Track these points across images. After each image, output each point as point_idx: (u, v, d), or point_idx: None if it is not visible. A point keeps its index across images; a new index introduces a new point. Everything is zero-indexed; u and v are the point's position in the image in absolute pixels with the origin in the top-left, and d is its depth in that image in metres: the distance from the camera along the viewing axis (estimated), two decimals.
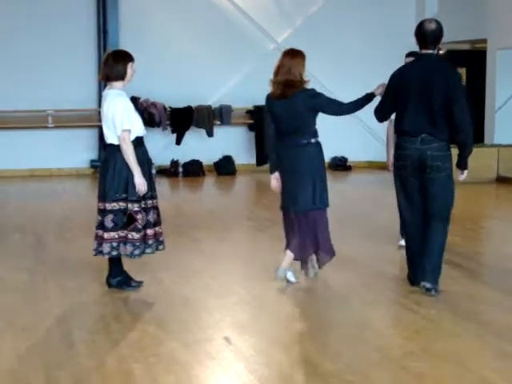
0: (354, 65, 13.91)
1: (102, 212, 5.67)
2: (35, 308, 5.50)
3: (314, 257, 6.14)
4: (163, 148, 13.33)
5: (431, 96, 5.52)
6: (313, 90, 6.01)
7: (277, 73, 5.91)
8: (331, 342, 4.77)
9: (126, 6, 13.06)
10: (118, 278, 5.87)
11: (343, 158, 14.22)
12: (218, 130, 13.46)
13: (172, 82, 12.90)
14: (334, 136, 14.16)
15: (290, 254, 6.04)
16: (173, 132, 13.28)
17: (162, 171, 13.19)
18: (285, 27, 14.02)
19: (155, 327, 5.05)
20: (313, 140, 5.95)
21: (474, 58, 14.24)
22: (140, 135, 5.71)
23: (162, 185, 12.50)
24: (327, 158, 13.99)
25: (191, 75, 12.91)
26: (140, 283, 5.95)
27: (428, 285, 5.64)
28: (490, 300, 5.80)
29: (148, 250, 5.78)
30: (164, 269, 6.56)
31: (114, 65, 5.65)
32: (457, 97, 5.49)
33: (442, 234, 5.76)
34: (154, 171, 12.87)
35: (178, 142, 13.30)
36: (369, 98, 5.98)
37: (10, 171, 12.70)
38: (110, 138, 5.66)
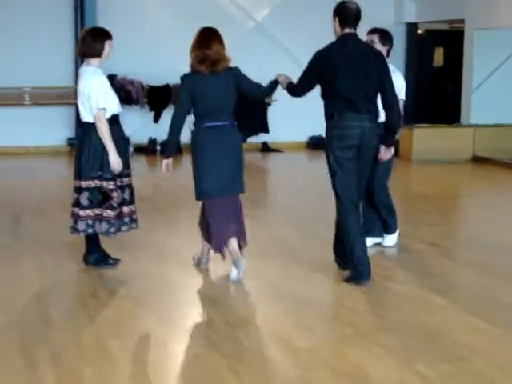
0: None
1: (78, 190, 5.69)
2: (12, 285, 5.51)
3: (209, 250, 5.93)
4: (141, 126, 13.29)
5: (365, 75, 5.53)
6: (237, 67, 5.78)
7: (201, 47, 5.56)
8: (305, 318, 4.82)
9: None
10: (96, 255, 5.89)
11: (321, 136, 14.26)
12: None
13: (150, 60, 12.85)
14: (312, 115, 14.20)
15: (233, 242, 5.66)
16: (150, 110, 13.25)
17: (140, 149, 13.17)
18: (264, 5, 13.98)
19: (131, 304, 5.10)
20: (234, 122, 5.73)
21: (452, 38, 14.32)
22: (116, 113, 5.72)
23: (140, 163, 12.49)
24: (305, 137, 14.34)
25: (169, 53, 12.83)
26: (117, 261, 5.98)
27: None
28: (462, 277, 5.94)
29: (123, 228, 5.81)
30: (140, 247, 6.60)
31: (91, 41, 5.64)
32: (388, 76, 5.57)
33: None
34: (131, 149, 12.96)
35: (156, 120, 13.27)
36: (275, 84, 5.93)
37: None
38: (86, 116, 5.66)
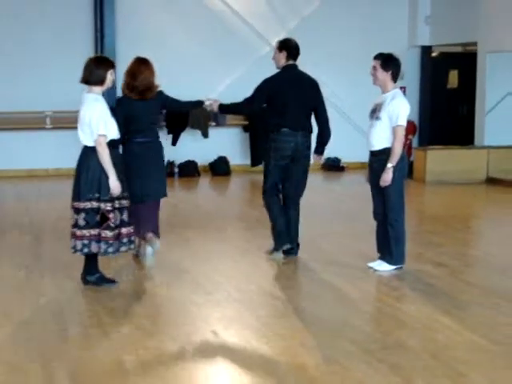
0: (347, 66, 14.14)
1: (76, 211, 5.91)
2: (32, 303, 5.73)
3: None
4: None
5: (305, 99, 6.95)
6: (162, 91, 7.05)
7: (131, 78, 6.79)
8: (311, 336, 5.00)
9: (123, 10, 13.29)
10: (96, 274, 6.11)
11: (336, 158, 14.46)
12: (213, 131, 13.69)
13: (168, 83, 12.95)
14: None
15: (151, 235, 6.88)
16: (168, 133, 13.51)
17: None
18: (279, 30, 14.19)
19: (145, 321, 5.29)
20: (159, 138, 7.01)
21: (467, 61, 14.48)
22: (115, 138, 5.94)
23: None
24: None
25: (187, 77, 13.13)
26: (114, 280, 6.17)
27: (289, 245, 7.05)
28: (470, 298, 6.01)
29: (122, 248, 6.03)
30: (156, 266, 6.81)
31: (95, 69, 5.86)
32: (322, 100, 7.09)
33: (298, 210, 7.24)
34: None
35: (174, 142, 13.53)
36: (198, 103, 7.30)
37: (8, 171, 12.93)
38: (85, 141, 5.88)
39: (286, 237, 7.06)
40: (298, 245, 7.23)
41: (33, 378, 4.28)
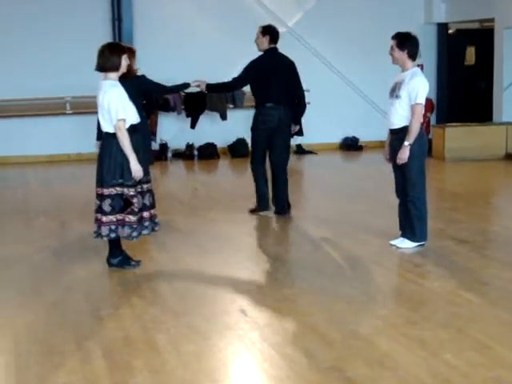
0: (364, 45, 14.14)
1: (101, 197, 6.01)
2: (62, 286, 5.88)
3: None
4: (178, 132, 13.70)
5: (286, 77, 7.98)
6: (144, 76, 7.52)
7: None
8: (336, 312, 5.11)
9: None
10: (119, 257, 6.25)
11: (354, 138, 14.52)
12: (232, 114, 13.77)
13: (186, 67, 13.17)
14: (345, 116, 14.51)
15: None
16: (187, 116, 13.61)
17: (178, 154, 13.56)
18: (295, 11, 14.25)
19: (175, 301, 5.43)
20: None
21: (484, 37, 14.43)
22: (134, 123, 6.03)
23: (178, 168, 12.88)
24: (339, 138, 14.59)
25: (204, 60, 13.19)
26: (139, 262, 6.33)
27: (268, 212, 8.28)
28: (492, 272, 6.10)
29: (145, 232, 6.13)
30: (181, 248, 6.95)
31: (109, 56, 5.93)
32: (299, 78, 8.07)
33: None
34: (169, 154, 13.37)
35: (193, 125, 13.63)
36: (185, 86, 7.83)
37: (30, 157, 13.10)
38: (106, 127, 5.97)
39: (266, 204, 8.32)
40: (289, 205, 8.27)
41: (69, 358, 4.41)
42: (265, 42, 8.03)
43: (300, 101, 8.19)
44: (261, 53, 8.11)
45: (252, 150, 8.34)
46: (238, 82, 8.18)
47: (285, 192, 8.22)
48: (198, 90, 8.30)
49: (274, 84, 7.91)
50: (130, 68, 6.58)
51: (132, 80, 6.97)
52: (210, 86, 8.02)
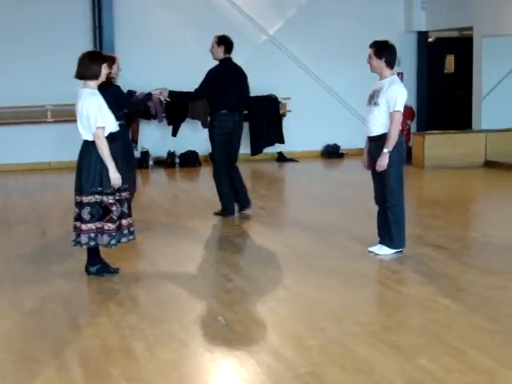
0: (344, 52, 14.19)
1: (80, 205, 6.01)
2: (40, 294, 5.85)
3: None
4: (160, 140, 13.68)
5: (239, 85, 8.49)
6: (118, 87, 7.73)
7: None
8: (315, 318, 5.13)
9: (120, 2, 13.36)
10: (98, 265, 6.24)
11: (336, 145, 14.57)
12: None
13: (166, 74, 13.14)
14: (327, 124, 14.55)
15: None
16: (169, 124, 13.60)
17: (159, 162, 13.54)
18: (276, 19, 14.30)
19: (153, 309, 5.43)
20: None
21: (463, 46, 14.54)
22: (113, 131, 6.04)
23: (160, 176, 12.87)
24: (320, 146, 14.66)
25: (185, 68, 13.18)
26: (117, 270, 6.32)
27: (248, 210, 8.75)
28: (470, 279, 6.15)
29: (123, 239, 6.13)
30: (160, 255, 6.95)
31: (90, 64, 5.96)
32: (246, 86, 8.62)
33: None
34: (150, 162, 13.34)
35: (174, 133, 13.62)
36: (148, 97, 8.25)
37: (11, 165, 13.01)
38: (85, 135, 5.98)
39: (232, 209, 8.65)
40: (249, 200, 8.75)
41: (45, 366, 4.40)
42: (220, 52, 8.41)
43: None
44: (215, 61, 8.48)
45: (212, 152, 8.79)
46: (200, 92, 8.49)
47: (244, 186, 8.79)
48: (163, 98, 8.57)
49: (230, 92, 8.35)
50: (108, 76, 6.61)
51: (109, 88, 7.06)
52: (172, 94, 8.32)
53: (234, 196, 8.71)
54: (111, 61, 7.57)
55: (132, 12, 13.43)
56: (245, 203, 8.72)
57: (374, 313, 5.35)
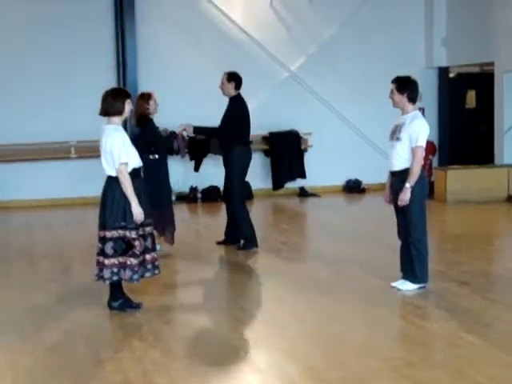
0: (366, 88, 14.27)
1: (103, 240, 6.06)
2: (63, 328, 5.89)
3: None
4: (182, 175, 13.76)
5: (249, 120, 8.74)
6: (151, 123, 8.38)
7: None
8: (337, 353, 5.11)
9: (144, 42, 13.52)
10: (120, 300, 6.26)
11: (357, 180, 14.57)
12: None
13: (189, 111, 13.32)
14: (348, 159, 14.58)
15: None
16: (191, 159, 13.70)
17: (182, 197, 13.61)
18: (298, 55, 14.41)
19: (175, 344, 5.43)
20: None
21: (484, 81, 14.56)
22: (137, 167, 6.11)
23: (182, 211, 12.90)
24: (342, 180, 14.66)
25: (208, 104, 13.26)
26: (140, 304, 6.33)
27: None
28: (493, 314, 6.09)
29: (147, 274, 6.17)
30: (182, 290, 6.97)
31: (113, 101, 6.06)
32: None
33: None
34: (173, 197, 13.46)
35: (197, 169, 13.71)
36: (172, 136, 8.64)
37: (35, 201, 13.15)
38: (109, 170, 6.06)
39: (257, 240, 8.77)
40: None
41: None
42: (231, 88, 8.58)
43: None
44: (225, 97, 8.71)
45: (232, 189, 8.66)
46: (225, 129, 8.59)
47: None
48: (186, 134, 8.74)
49: (248, 127, 8.66)
50: (145, 112, 7.99)
51: (147, 124, 8.22)
52: (197, 129, 8.56)
53: (231, 229, 8.87)
54: (147, 97, 8.29)
55: (155, 51, 13.60)
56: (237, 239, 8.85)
57: (397, 348, 5.31)
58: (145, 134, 8.28)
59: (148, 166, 7.46)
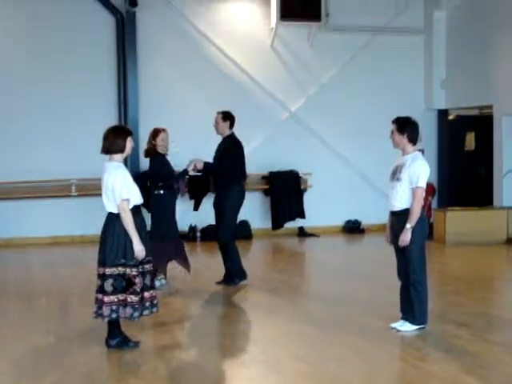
0: (366, 129, 14.38)
1: (102, 276, 6.05)
2: (61, 367, 5.84)
3: None
4: (181, 214, 13.73)
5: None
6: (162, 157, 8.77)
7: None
8: None
9: (145, 80, 13.63)
10: (118, 338, 6.23)
11: (356, 221, 14.59)
12: None
13: (189, 150, 13.37)
14: (348, 199, 14.62)
15: None
16: (191, 198, 13.71)
17: (181, 236, 13.57)
18: (298, 96, 14.53)
19: (173, 383, 5.38)
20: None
21: (482, 123, 14.68)
22: (138, 204, 6.13)
23: None
24: (341, 221, 14.65)
25: (208, 144, 13.32)
26: (137, 343, 6.29)
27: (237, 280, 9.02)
28: (493, 356, 6.07)
29: (146, 312, 6.14)
30: (180, 328, 6.93)
31: (114, 139, 6.10)
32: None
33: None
34: None
35: (196, 208, 13.67)
36: (185, 173, 8.80)
37: (34, 238, 13.15)
38: (109, 207, 6.07)
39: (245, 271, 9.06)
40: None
41: None
42: (225, 127, 8.86)
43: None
44: (219, 136, 8.94)
45: (225, 228, 8.86)
46: (226, 168, 8.76)
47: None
48: (197, 169, 8.76)
49: (243, 165, 8.92)
50: (150, 146, 8.48)
51: (154, 157, 8.69)
52: (208, 165, 8.70)
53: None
54: (155, 133, 8.71)
55: (156, 89, 13.71)
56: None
57: None
58: (153, 167, 8.73)
59: (157, 200, 8.39)
